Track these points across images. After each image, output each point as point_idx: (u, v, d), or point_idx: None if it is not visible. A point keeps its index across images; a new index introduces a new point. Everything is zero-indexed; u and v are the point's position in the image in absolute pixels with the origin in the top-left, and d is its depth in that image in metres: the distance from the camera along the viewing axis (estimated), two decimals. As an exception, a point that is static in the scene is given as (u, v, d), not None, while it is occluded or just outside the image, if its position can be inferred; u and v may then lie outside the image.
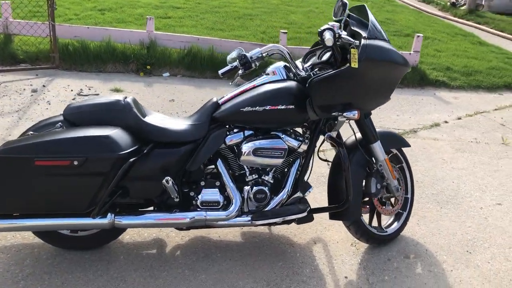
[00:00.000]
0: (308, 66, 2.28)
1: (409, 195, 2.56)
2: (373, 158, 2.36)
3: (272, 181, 2.28)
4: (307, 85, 2.14)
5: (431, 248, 2.48)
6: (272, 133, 2.24)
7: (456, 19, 9.78)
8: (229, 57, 2.47)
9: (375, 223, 2.47)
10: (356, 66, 1.99)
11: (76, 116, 2.10)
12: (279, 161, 2.21)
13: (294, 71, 2.28)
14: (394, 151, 2.51)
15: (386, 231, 2.47)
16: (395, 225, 2.51)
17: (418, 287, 2.20)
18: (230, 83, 2.53)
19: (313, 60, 2.33)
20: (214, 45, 5.35)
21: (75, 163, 1.90)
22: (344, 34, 2.06)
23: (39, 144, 1.90)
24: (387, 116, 4.38)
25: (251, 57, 2.34)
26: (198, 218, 2.16)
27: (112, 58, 5.16)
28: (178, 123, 2.20)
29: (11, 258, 2.20)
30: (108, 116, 2.09)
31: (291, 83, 2.21)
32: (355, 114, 2.15)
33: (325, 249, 2.43)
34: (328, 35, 2.00)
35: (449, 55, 6.20)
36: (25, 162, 1.88)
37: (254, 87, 2.27)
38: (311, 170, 2.32)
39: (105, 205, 2.03)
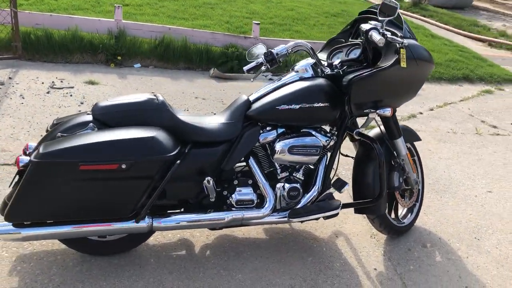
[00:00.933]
0: (338, 64, 2.29)
1: (420, 187, 2.67)
2: (395, 153, 2.44)
3: (302, 178, 2.29)
4: (345, 82, 2.16)
5: (444, 237, 2.62)
6: (303, 130, 2.25)
7: (401, 11, 10.17)
8: (251, 53, 2.46)
9: (392, 215, 2.56)
10: (405, 66, 2.04)
11: (109, 116, 1.98)
12: (314, 158, 2.23)
13: (321, 68, 2.30)
14: (408, 145, 2.61)
15: (404, 222, 2.57)
16: (410, 216, 2.62)
17: (442, 274, 2.31)
18: (252, 80, 2.51)
19: (341, 56, 2.35)
20: (186, 35, 5.23)
21: (123, 166, 1.81)
22: (389, 34, 2.10)
23: (83, 148, 1.78)
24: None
25: (277, 54, 2.35)
26: (236, 217, 2.13)
27: (79, 48, 4.89)
28: (212, 122, 2.15)
29: (35, 267, 2.06)
30: (143, 116, 2.00)
31: (323, 81, 2.23)
32: (388, 111, 2.21)
33: (348, 242, 2.49)
34: (377, 35, 2.02)
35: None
36: (69, 167, 1.77)
37: (285, 84, 2.26)
38: (337, 166, 2.36)
39: (145, 208, 1.95)
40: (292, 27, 6.94)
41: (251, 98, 2.25)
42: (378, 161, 2.24)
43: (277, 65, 2.37)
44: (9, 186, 1.97)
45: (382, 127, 2.44)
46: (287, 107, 2.16)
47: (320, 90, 2.19)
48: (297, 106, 2.16)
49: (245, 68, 2.42)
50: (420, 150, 2.71)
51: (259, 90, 2.29)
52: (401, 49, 2.04)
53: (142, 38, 5.20)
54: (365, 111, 2.24)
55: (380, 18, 2.15)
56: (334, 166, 2.34)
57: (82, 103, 3.85)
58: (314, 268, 2.27)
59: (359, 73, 2.14)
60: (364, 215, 2.57)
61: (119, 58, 4.94)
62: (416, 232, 2.63)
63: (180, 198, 2.12)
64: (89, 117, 2.01)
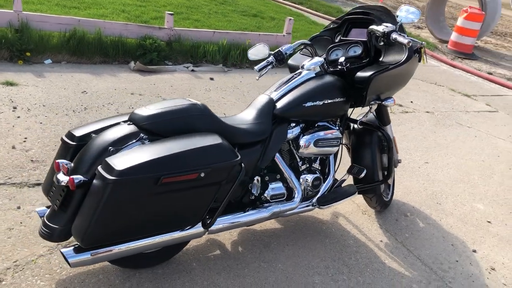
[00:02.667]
0: (343, 61, 2.48)
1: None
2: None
3: (319, 168, 2.49)
4: (361, 78, 2.36)
5: (415, 205, 3.05)
6: (319, 124, 2.43)
7: (274, -1, 10.74)
8: (254, 53, 2.55)
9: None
10: (426, 62, 2.34)
11: (156, 125, 1.92)
12: (335, 149, 2.43)
13: (327, 65, 2.50)
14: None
15: (388, 198, 2.93)
16: (389, 191, 2.99)
17: (430, 237, 2.73)
18: (257, 78, 2.60)
19: (341, 54, 2.55)
20: (99, 27, 4.92)
21: (202, 175, 1.81)
22: (404, 35, 2.36)
23: (164, 160, 1.73)
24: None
25: (285, 53, 2.49)
26: (276, 211, 2.26)
27: (-23, 44, 4.30)
28: (246, 123, 2.22)
29: (83, 291, 1.93)
30: (190, 122, 1.98)
31: (336, 77, 2.43)
32: (393, 101, 2.50)
33: (348, 221, 2.76)
34: (403, 39, 2.26)
35: (303, 35, 6.94)
36: (152, 181, 1.71)
37: (303, 83, 2.39)
38: (341, 155, 2.61)
39: (217, 213, 1.98)
40: (190, 16, 6.92)
41: (273, 97, 2.35)
42: (388, 145, 2.53)
43: (284, 63, 2.51)
44: (56, 209, 1.81)
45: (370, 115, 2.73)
46: (312, 104, 2.31)
47: (338, 87, 2.39)
48: (321, 103, 2.33)
49: (257, 67, 2.54)
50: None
51: (276, 89, 2.39)
52: (422, 48, 2.33)
53: (49, 31, 4.75)
54: (371, 102, 2.50)
55: (397, 19, 2.39)
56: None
57: (15, 107, 3.46)
58: (334, 248, 2.49)
59: (376, 70, 2.36)
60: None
61: (28, 54, 4.46)
62: (394, 204, 3.02)
63: (230, 199, 2.16)
64: (132, 127, 1.93)
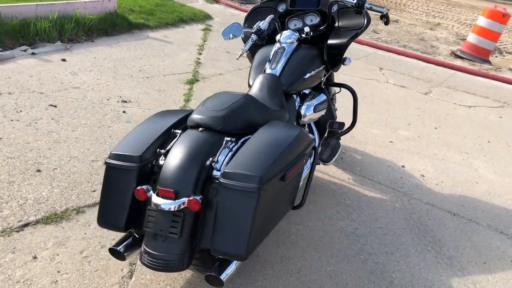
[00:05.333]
0: (308, 31, 2.72)
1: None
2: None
3: (308, 130, 2.80)
4: (335, 44, 2.66)
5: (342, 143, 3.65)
6: (305, 92, 2.70)
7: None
8: (230, 32, 2.60)
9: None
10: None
11: (232, 125, 1.90)
12: (325, 110, 2.76)
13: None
14: None
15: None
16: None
17: (372, 165, 3.39)
18: (237, 58, 2.66)
19: (298, 24, 2.75)
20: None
21: (304, 161, 1.95)
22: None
23: (283, 157, 1.78)
24: (157, 64, 4.73)
25: (264, 29, 2.61)
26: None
27: None
28: (272, 104, 2.31)
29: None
30: (253, 113, 2.02)
31: (312, 46, 2.70)
32: (350, 60, 2.92)
33: (333, 184, 3.18)
34: (380, 8, 2.61)
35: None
36: (281, 178, 1.79)
37: (292, 55, 2.57)
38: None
39: (306, 194, 2.15)
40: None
41: (276, 73, 2.47)
42: (354, 97, 2.95)
43: (265, 39, 2.64)
44: (167, 236, 1.71)
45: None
46: (310, 74, 2.56)
47: (319, 54, 2.67)
48: (314, 72, 2.60)
49: (245, 47, 2.55)
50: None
51: (271, 65, 2.49)
52: (387, 13, 2.74)
53: None
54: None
55: None
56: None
57: None
58: (348, 215, 2.77)
59: (350, 36, 2.69)
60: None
61: None
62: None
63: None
64: (209, 133, 1.87)
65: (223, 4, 8.05)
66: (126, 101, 3.74)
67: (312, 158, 2.27)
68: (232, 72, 4.84)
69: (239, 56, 2.60)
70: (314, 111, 2.63)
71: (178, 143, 1.85)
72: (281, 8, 2.90)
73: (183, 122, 2.05)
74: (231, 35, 2.64)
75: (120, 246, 1.86)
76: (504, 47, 8.71)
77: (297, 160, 1.89)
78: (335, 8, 2.74)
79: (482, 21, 7.31)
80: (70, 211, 2.39)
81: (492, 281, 2.39)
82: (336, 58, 2.75)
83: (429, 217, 2.85)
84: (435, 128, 4.23)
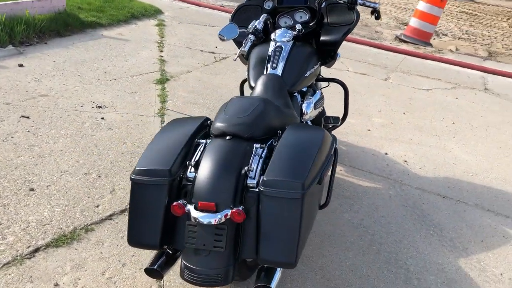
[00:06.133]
0: (300, 28, 2.73)
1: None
2: None
3: None
4: (328, 40, 2.68)
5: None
6: (302, 90, 2.72)
7: None
8: (226, 33, 2.53)
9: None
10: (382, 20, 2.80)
11: (259, 131, 1.90)
12: (322, 107, 2.79)
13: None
14: None
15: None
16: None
17: (358, 155, 3.48)
18: (234, 59, 2.62)
19: (292, 21, 2.75)
20: None
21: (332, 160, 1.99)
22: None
23: (317, 160, 1.78)
24: (120, 64, 4.55)
25: (260, 29, 2.58)
26: None
27: None
28: (281, 105, 2.32)
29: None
30: (274, 116, 2.02)
31: (307, 44, 2.71)
32: (339, 55, 2.97)
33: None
34: (373, 3, 2.65)
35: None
36: (319, 181, 1.80)
37: (290, 54, 2.56)
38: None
39: (331, 193, 2.18)
40: None
41: (278, 73, 2.46)
42: (347, 92, 2.99)
43: (262, 39, 2.61)
44: (222, 248, 1.69)
45: None
46: (309, 72, 2.58)
47: (315, 51, 2.69)
48: (313, 69, 2.62)
49: (245, 48, 2.50)
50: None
51: (272, 65, 2.48)
52: (378, 10, 2.79)
53: None
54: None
55: None
56: None
57: None
58: (350, 206, 2.86)
59: (342, 32, 2.72)
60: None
61: None
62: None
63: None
64: (236, 142, 1.85)
65: (170, -3, 7.86)
66: (101, 107, 3.57)
67: (334, 156, 2.30)
68: (200, 69, 4.75)
69: (237, 57, 2.57)
70: (315, 108, 2.65)
71: (208, 154, 1.81)
72: (268, 5, 2.87)
73: (201, 131, 2.01)
74: (228, 36, 2.57)
75: (156, 265, 1.80)
76: (440, 30, 9.17)
77: (328, 161, 1.91)
78: (323, 4, 2.76)
79: (422, 6, 7.64)
80: (78, 231, 2.27)
81: (493, 258, 2.55)
82: (329, 54, 2.78)
83: (423, 201, 2.98)
84: (404, 113, 4.41)
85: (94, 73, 4.21)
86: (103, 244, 2.21)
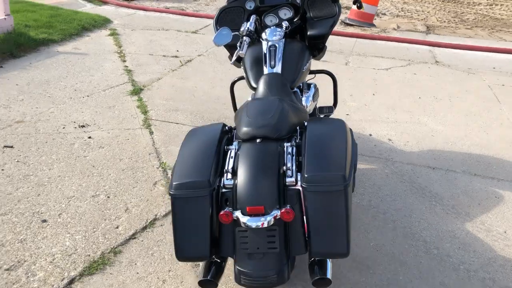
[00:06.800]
0: (287, 25, 2.78)
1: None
2: None
3: None
4: (316, 33, 2.75)
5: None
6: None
7: None
8: (221, 38, 2.53)
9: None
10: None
11: (287, 131, 1.96)
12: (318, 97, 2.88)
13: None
14: None
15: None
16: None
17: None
18: (231, 62, 2.64)
19: (277, 18, 2.81)
20: None
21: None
22: None
23: (350, 153, 1.86)
24: (87, 80, 4.43)
25: (253, 31, 2.61)
26: None
27: None
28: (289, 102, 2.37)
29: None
30: (291, 116, 2.05)
31: (296, 39, 2.78)
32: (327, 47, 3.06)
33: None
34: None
35: (24, 17, 5.84)
36: (355, 170, 1.89)
37: (285, 50, 2.62)
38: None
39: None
40: None
41: (278, 71, 2.52)
42: (335, 82, 3.09)
43: (256, 40, 2.66)
44: (277, 248, 1.74)
45: None
46: (305, 67, 2.65)
47: (305, 46, 2.77)
48: (307, 63, 2.69)
49: (243, 51, 2.52)
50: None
51: (270, 64, 2.53)
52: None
53: None
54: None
55: None
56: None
57: None
58: (355, 189, 3.02)
59: (328, 25, 2.80)
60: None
61: None
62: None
63: None
64: (266, 143, 1.89)
65: (113, 5, 7.66)
66: (83, 126, 3.48)
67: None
68: (169, 75, 4.71)
69: (233, 60, 2.58)
70: (313, 101, 2.74)
71: (244, 159, 1.85)
72: (249, 5, 2.90)
73: (223, 137, 2.04)
74: (223, 41, 2.58)
75: (209, 276, 1.83)
76: (378, 10, 9.54)
77: (355, 150, 2.00)
78: None
79: (362, -12, 7.92)
80: (107, 255, 2.23)
81: (493, 218, 2.76)
82: (317, 47, 2.86)
83: (417, 175, 3.16)
84: (373, 94, 4.60)
85: (63, 92, 4.07)
86: (136, 264, 2.19)
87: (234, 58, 2.49)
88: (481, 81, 5.19)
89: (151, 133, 3.45)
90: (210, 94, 4.26)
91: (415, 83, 5.02)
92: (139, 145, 3.26)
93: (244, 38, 2.54)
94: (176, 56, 5.31)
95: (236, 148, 1.93)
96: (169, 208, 2.59)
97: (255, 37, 2.60)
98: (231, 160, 1.89)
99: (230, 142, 2.02)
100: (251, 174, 1.79)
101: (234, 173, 1.84)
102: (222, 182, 1.84)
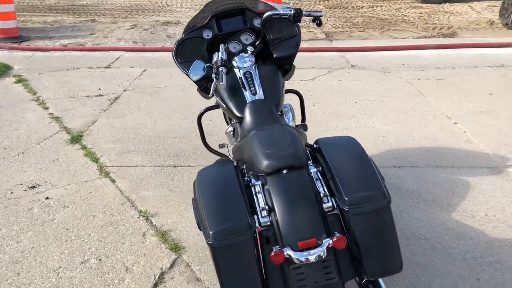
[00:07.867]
0: (254, 49, 2.74)
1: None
2: None
3: None
4: (283, 54, 2.74)
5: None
6: None
7: None
8: (196, 72, 2.44)
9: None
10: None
11: (302, 159, 1.92)
12: (292, 117, 2.89)
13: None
14: None
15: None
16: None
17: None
18: (210, 97, 2.55)
19: (240, 45, 2.76)
20: None
21: None
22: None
23: (374, 164, 1.90)
24: (14, 135, 4.00)
25: (227, 60, 2.54)
26: None
27: None
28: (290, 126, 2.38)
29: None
30: (301, 142, 2.04)
31: (266, 63, 2.76)
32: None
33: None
34: (314, 12, 2.75)
35: None
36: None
37: (260, 78, 2.58)
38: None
39: None
40: None
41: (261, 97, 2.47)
42: (302, 100, 3.09)
43: (231, 69, 2.59)
44: (335, 277, 1.71)
45: None
46: (283, 89, 2.63)
47: (277, 68, 2.73)
48: (283, 85, 2.68)
49: (223, 82, 2.40)
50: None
51: (251, 91, 2.48)
52: (321, 17, 2.90)
53: None
54: None
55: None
56: None
57: None
58: None
59: (293, 45, 2.79)
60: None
61: None
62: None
63: None
64: (291, 173, 1.85)
65: (5, 49, 7.02)
66: (34, 186, 3.12)
67: None
68: (102, 116, 4.41)
69: (212, 91, 2.48)
70: (293, 121, 2.73)
71: (277, 193, 1.79)
72: (207, 35, 2.82)
73: (239, 174, 1.95)
74: (197, 75, 2.47)
75: None
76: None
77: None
78: (257, 22, 2.81)
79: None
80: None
81: (470, 203, 2.96)
82: (285, 68, 2.87)
83: (388, 176, 3.29)
84: (313, 105, 4.72)
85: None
86: (164, 327, 2.00)
87: (212, 90, 2.40)
88: (399, 78, 5.57)
89: (113, 181, 3.19)
90: (155, 129, 4.06)
91: (344, 88, 5.25)
92: (107, 196, 3.00)
93: (221, 68, 2.45)
94: (100, 95, 4.99)
95: (260, 183, 1.85)
96: (173, 258, 2.40)
97: (230, 66, 2.54)
98: (260, 196, 1.81)
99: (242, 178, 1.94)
100: (291, 207, 1.73)
101: (270, 209, 1.76)
102: (258, 221, 1.75)
